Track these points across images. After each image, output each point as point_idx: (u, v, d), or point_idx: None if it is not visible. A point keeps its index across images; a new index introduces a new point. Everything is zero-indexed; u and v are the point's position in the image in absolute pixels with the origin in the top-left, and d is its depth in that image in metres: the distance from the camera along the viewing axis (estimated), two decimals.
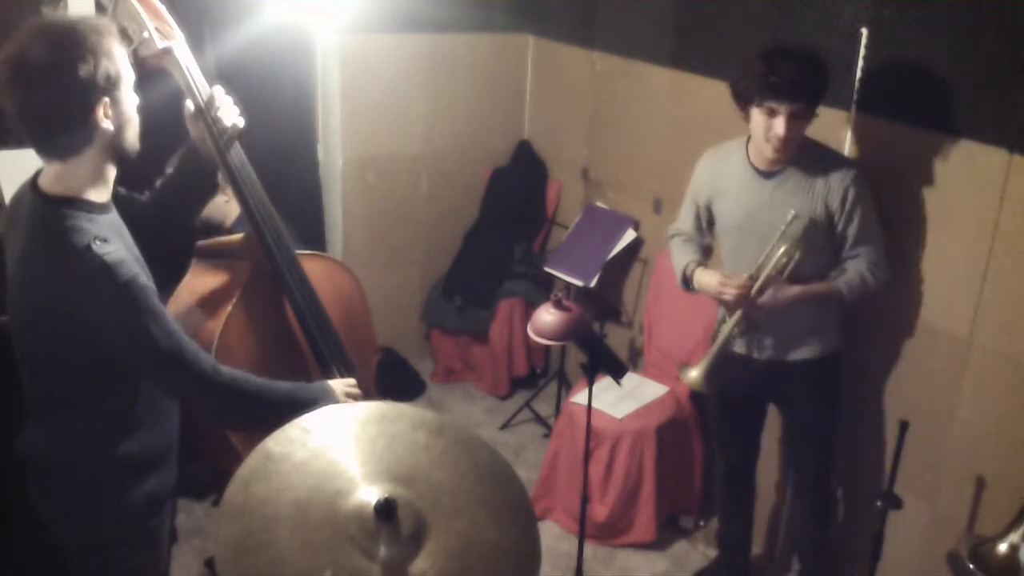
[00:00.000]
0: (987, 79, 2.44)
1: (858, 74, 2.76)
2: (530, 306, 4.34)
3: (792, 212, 2.50)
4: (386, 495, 1.37)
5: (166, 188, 2.10)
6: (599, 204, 4.18)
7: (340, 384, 2.05)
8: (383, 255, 4.56)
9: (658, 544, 3.47)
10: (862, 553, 2.89)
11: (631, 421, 3.40)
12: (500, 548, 1.45)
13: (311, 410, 1.55)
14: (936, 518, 2.76)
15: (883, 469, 2.80)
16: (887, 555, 2.66)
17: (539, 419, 4.30)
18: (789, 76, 2.39)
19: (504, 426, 4.27)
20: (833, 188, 2.52)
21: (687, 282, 2.80)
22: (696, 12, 3.48)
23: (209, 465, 2.34)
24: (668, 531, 3.55)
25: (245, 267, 2.22)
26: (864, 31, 2.73)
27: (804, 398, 2.78)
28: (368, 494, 1.40)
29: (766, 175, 2.60)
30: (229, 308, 2.14)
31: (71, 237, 1.68)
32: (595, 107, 4.18)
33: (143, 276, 1.73)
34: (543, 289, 4.38)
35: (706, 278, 2.69)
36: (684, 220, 2.89)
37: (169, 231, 2.10)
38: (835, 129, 2.80)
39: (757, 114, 2.49)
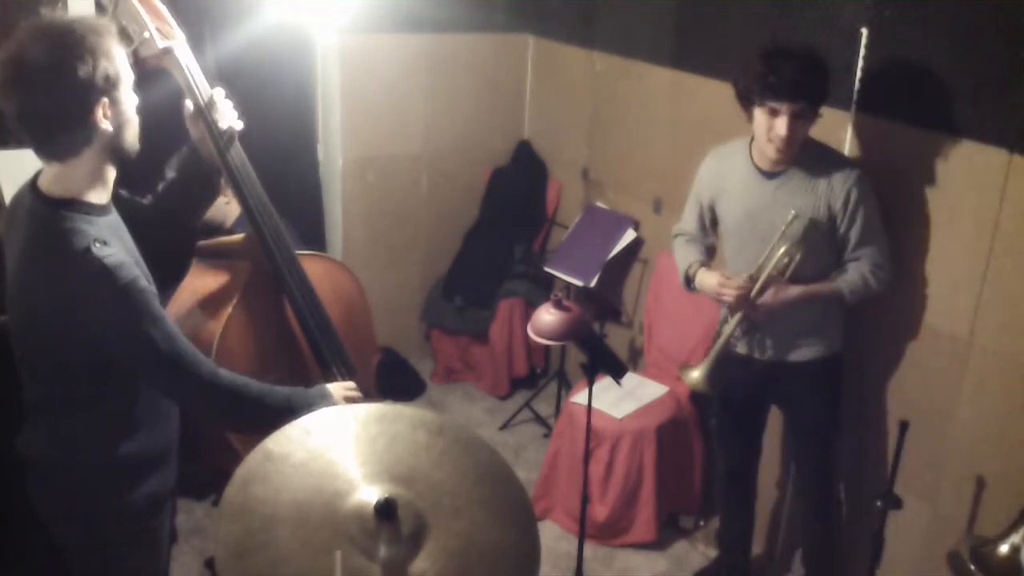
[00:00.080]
0: (987, 79, 2.44)
1: (858, 74, 2.76)
2: (530, 306, 4.34)
3: (792, 212, 2.50)
4: (386, 495, 1.37)
5: (168, 191, 2.10)
6: (599, 204, 4.18)
7: (339, 387, 2.05)
8: (383, 255, 4.56)
9: (658, 544, 3.47)
10: (862, 553, 2.89)
11: (631, 421, 3.40)
12: (500, 548, 1.45)
13: (309, 413, 1.55)
14: (936, 518, 2.76)
15: (883, 469, 2.80)
16: (887, 555, 2.66)
17: (539, 419, 4.30)
18: (789, 76, 2.39)
19: (504, 426, 4.27)
20: (836, 189, 2.52)
21: (689, 282, 2.80)
22: (696, 12, 3.48)
23: (209, 465, 2.34)
24: (668, 531, 3.54)
25: (245, 267, 2.22)
26: (864, 31, 2.73)
27: (806, 398, 2.78)
28: (368, 494, 1.40)
29: (769, 175, 2.59)
30: (230, 308, 2.14)
31: (70, 239, 1.68)
32: (595, 107, 4.18)
33: (143, 279, 1.73)
34: (543, 289, 4.38)
35: (707, 279, 2.70)
36: (687, 220, 2.89)
37: (172, 234, 2.10)
38: (835, 129, 2.80)
39: (759, 114, 2.49)
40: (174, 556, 2.61)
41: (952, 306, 2.63)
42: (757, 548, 3.31)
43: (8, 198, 1.93)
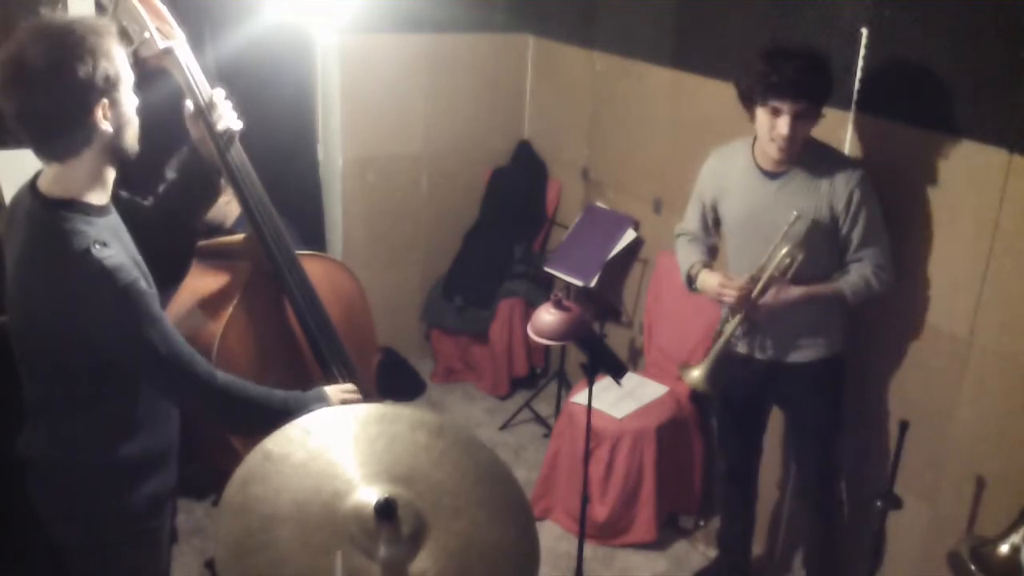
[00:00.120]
0: (987, 79, 2.44)
1: (858, 74, 2.77)
2: (530, 306, 4.34)
3: (795, 213, 2.50)
4: (386, 495, 1.37)
5: (169, 192, 2.10)
6: (599, 204, 4.18)
7: (335, 390, 2.04)
8: (383, 255, 4.56)
9: (658, 544, 3.47)
10: (863, 553, 2.90)
11: (631, 421, 3.40)
12: (500, 549, 1.45)
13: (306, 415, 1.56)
14: (936, 518, 2.76)
15: (883, 469, 2.80)
16: (887, 555, 2.66)
17: (539, 419, 4.30)
18: (790, 75, 2.39)
19: (504, 426, 4.27)
20: (838, 190, 2.52)
21: (691, 283, 2.80)
22: (696, 12, 3.48)
23: (209, 465, 2.34)
24: (668, 531, 3.55)
25: (246, 268, 2.22)
26: (864, 31, 2.73)
27: (807, 399, 2.78)
28: (368, 494, 1.40)
29: (771, 175, 2.59)
30: (230, 309, 2.14)
31: (70, 241, 1.68)
32: (595, 107, 4.18)
33: (142, 281, 1.73)
34: (543, 289, 4.38)
35: (708, 280, 2.70)
36: (690, 219, 2.89)
37: (172, 234, 2.10)
38: (835, 129, 2.80)
39: (762, 114, 2.49)
40: (174, 556, 2.61)
41: (952, 306, 2.63)
42: (757, 548, 3.31)
43: (8, 198, 1.93)
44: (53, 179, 1.74)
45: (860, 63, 2.75)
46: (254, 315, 2.19)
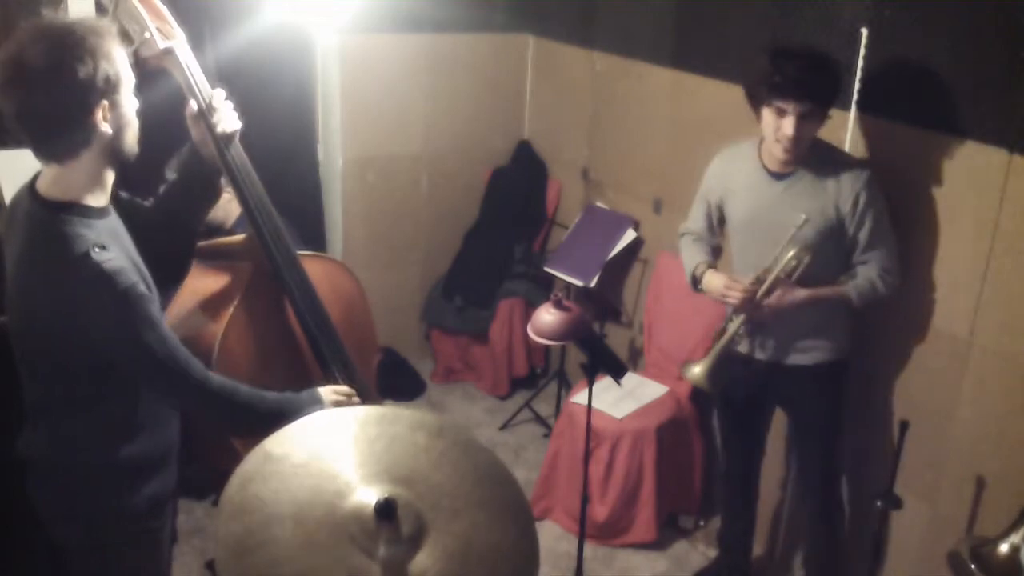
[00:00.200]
0: (987, 79, 2.44)
1: (858, 74, 2.76)
2: (530, 306, 4.34)
3: (803, 216, 2.49)
4: (386, 495, 1.37)
5: (169, 193, 2.10)
6: (599, 204, 4.18)
7: (329, 391, 2.05)
8: (383, 255, 4.56)
9: (658, 544, 3.47)
10: (863, 553, 2.90)
11: (631, 421, 3.40)
12: (499, 549, 1.45)
13: (301, 417, 1.56)
14: (936, 518, 2.76)
15: (883, 469, 2.80)
16: (887, 555, 2.66)
17: (539, 419, 4.30)
18: (795, 76, 2.39)
19: (504, 426, 4.27)
20: (845, 191, 2.51)
21: (696, 283, 2.79)
22: (696, 12, 3.48)
23: (209, 465, 2.34)
24: (668, 531, 3.55)
25: (246, 268, 2.22)
26: (864, 31, 2.73)
27: (810, 401, 2.78)
28: (367, 495, 1.40)
29: (777, 176, 2.59)
30: (231, 310, 2.14)
31: (69, 244, 1.68)
32: (595, 107, 4.18)
33: (141, 284, 1.73)
34: (543, 289, 4.38)
35: (713, 280, 2.69)
36: (694, 219, 2.89)
37: (173, 235, 2.10)
38: (835, 129, 2.80)
39: (767, 114, 2.48)
40: (174, 556, 2.61)
41: (952, 306, 2.63)
42: (758, 548, 3.31)
43: (8, 198, 1.92)
44: (52, 180, 1.74)
45: (860, 63, 2.75)
46: (255, 316, 2.19)
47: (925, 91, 2.60)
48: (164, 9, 1.98)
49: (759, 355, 2.74)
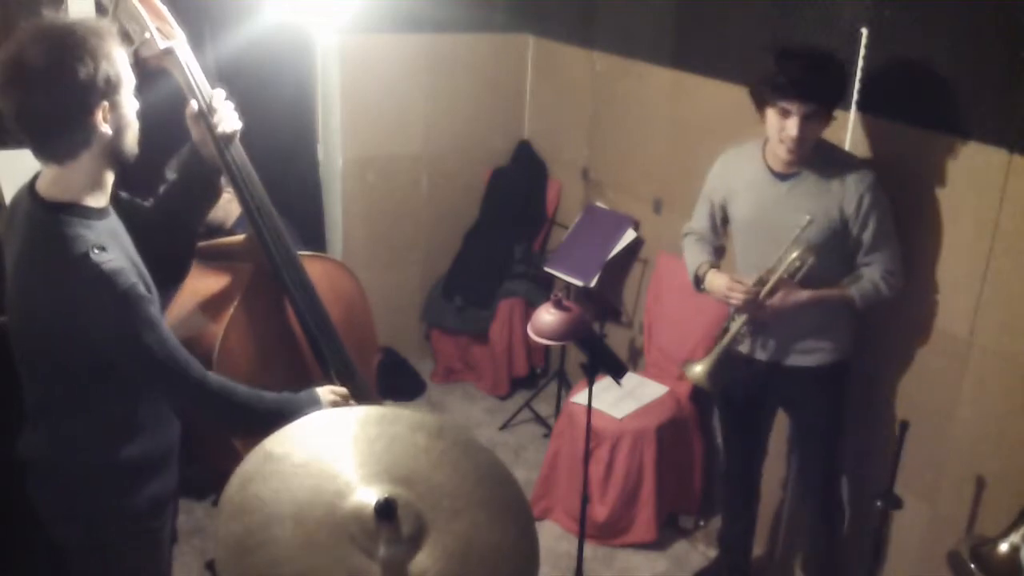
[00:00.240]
0: (987, 79, 2.44)
1: (858, 74, 2.76)
2: (530, 306, 4.34)
3: (808, 218, 2.48)
4: (386, 495, 1.37)
5: (169, 193, 2.10)
6: (599, 204, 4.18)
7: (326, 391, 2.05)
8: (383, 255, 4.56)
9: (658, 544, 3.47)
10: (863, 553, 2.90)
11: (631, 421, 3.40)
12: (500, 550, 1.45)
13: (299, 418, 1.56)
14: (936, 518, 2.76)
15: (883, 469, 2.80)
16: (887, 555, 2.66)
17: (539, 419, 4.30)
18: (799, 76, 2.39)
19: (504, 426, 4.27)
20: (849, 193, 2.51)
21: (698, 283, 2.79)
22: (696, 12, 3.48)
23: (209, 466, 2.34)
24: (668, 531, 3.55)
25: (247, 269, 2.21)
26: (864, 31, 2.73)
27: (811, 402, 2.77)
28: (367, 495, 1.40)
29: (781, 177, 2.59)
30: (231, 310, 2.14)
31: (69, 245, 1.68)
32: (595, 107, 4.18)
33: (140, 285, 1.73)
34: (543, 289, 4.38)
35: (716, 281, 2.69)
36: (698, 219, 2.89)
37: (173, 236, 2.10)
38: (835, 129, 2.79)
39: (771, 114, 2.48)
40: (174, 556, 2.61)
41: (952, 306, 2.63)
42: (758, 548, 3.31)
43: (8, 198, 1.92)
44: (52, 181, 1.74)
45: (860, 63, 2.75)
46: (255, 316, 2.19)
47: (925, 91, 2.60)
48: (164, 9, 1.98)
49: (760, 355, 2.74)
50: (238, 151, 2.09)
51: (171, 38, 1.97)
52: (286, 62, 3.92)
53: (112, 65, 1.67)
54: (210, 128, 2.01)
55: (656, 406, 3.49)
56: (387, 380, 4.19)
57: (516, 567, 1.46)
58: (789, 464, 3.19)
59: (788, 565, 3.28)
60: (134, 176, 1.98)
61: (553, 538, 3.48)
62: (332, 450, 1.48)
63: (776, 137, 2.50)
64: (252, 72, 3.56)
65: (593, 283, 3.92)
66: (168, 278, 2.10)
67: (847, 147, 2.83)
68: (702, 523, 3.60)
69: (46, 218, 1.71)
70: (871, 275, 2.58)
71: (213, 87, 2.03)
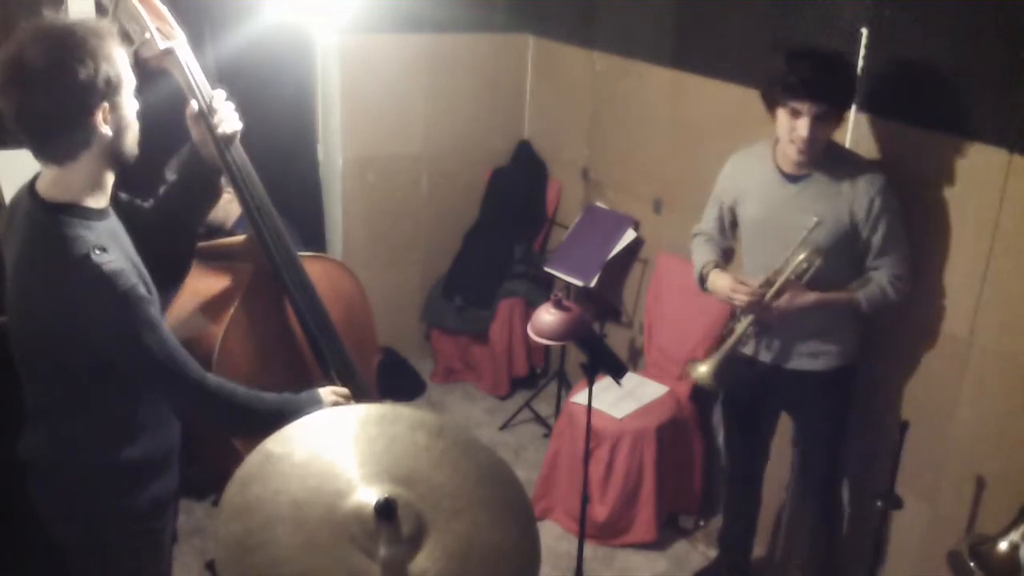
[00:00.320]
0: (987, 79, 2.44)
1: (858, 74, 2.76)
2: (530, 306, 4.34)
3: (815, 219, 2.48)
4: (386, 495, 1.37)
5: (169, 194, 2.09)
6: (599, 204, 4.18)
7: (328, 391, 2.05)
8: (383, 255, 4.56)
9: (658, 544, 3.47)
10: (863, 553, 2.90)
11: (631, 421, 3.40)
12: (501, 549, 1.45)
13: (299, 418, 1.56)
14: (936, 518, 2.76)
15: (883, 469, 2.80)
16: (887, 555, 2.66)
17: (539, 419, 4.30)
18: (809, 76, 2.38)
19: (504, 426, 4.27)
20: (859, 196, 2.50)
21: (703, 282, 2.79)
22: (696, 12, 3.48)
23: (210, 466, 2.34)
24: (668, 531, 3.55)
25: (247, 269, 2.21)
26: (864, 31, 2.73)
27: (816, 406, 2.77)
28: (368, 495, 1.40)
29: (791, 178, 2.58)
30: (231, 311, 2.14)
31: (69, 246, 1.68)
32: (595, 107, 4.18)
33: (140, 286, 1.73)
34: (543, 289, 4.38)
35: (719, 281, 2.68)
36: (707, 220, 2.89)
37: (173, 236, 2.10)
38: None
39: (782, 115, 2.48)
40: (174, 556, 2.61)
41: (952, 306, 2.63)
42: (758, 549, 3.30)
43: (8, 198, 1.92)
44: (52, 182, 1.74)
45: (860, 63, 2.75)
46: (255, 316, 2.19)
47: (925, 91, 2.60)
48: (164, 9, 1.98)
49: (764, 357, 2.74)
50: (238, 151, 2.09)
51: (171, 38, 1.97)
52: (286, 62, 3.92)
53: (112, 66, 1.67)
54: (210, 128, 2.01)
55: (656, 406, 3.49)
56: (387, 380, 4.18)
57: (517, 567, 1.46)
58: (790, 465, 3.19)
59: (788, 565, 3.28)
60: (134, 176, 1.98)
61: (553, 538, 3.48)
62: (332, 450, 1.47)
63: (787, 138, 2.49)
64: (252, 72, 3.56)
65: (593, 283, 3.92)
66: (168, 279, 2.10)
67: (847, 147, 2.83)
68: (702, 523, 3.60)
69: (46, 219, 1.71)
70: (879, 279, 2.57)
71: (213, 87, 2.03)
